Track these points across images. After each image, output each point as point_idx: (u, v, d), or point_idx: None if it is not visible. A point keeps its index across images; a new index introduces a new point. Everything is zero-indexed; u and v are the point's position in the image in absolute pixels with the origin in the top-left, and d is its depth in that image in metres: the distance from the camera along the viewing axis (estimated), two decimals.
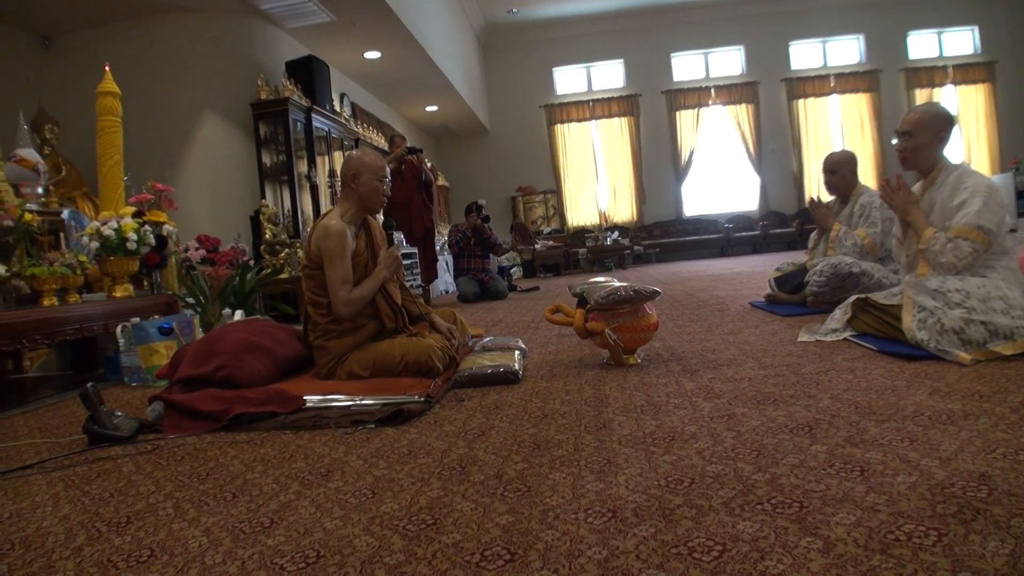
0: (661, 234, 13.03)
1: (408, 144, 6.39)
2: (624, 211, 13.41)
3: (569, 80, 13.76)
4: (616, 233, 11.98)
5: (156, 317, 3.45)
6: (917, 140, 2.60)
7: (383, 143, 8.63)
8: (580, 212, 13.53)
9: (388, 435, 1.83)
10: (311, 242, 2.53)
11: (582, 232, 12.91)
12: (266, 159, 6.22)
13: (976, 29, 13.25)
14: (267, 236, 5.60)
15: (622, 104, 13.34)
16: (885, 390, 1.84)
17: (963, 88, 13.16)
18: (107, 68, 4.18)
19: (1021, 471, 1.19)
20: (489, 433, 1.76)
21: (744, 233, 12.74)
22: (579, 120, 13.45)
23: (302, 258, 2.61)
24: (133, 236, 3.57)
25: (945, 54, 13.39)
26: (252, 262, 4.91)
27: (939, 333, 2.19)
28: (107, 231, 3.50)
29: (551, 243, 11.58)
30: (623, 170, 13.37)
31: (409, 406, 2.01)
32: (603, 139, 13.47)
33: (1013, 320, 2.18)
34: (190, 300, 3.97)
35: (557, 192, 13.45)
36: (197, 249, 4.46)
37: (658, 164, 13.33)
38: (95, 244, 3.51)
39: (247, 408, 2.09)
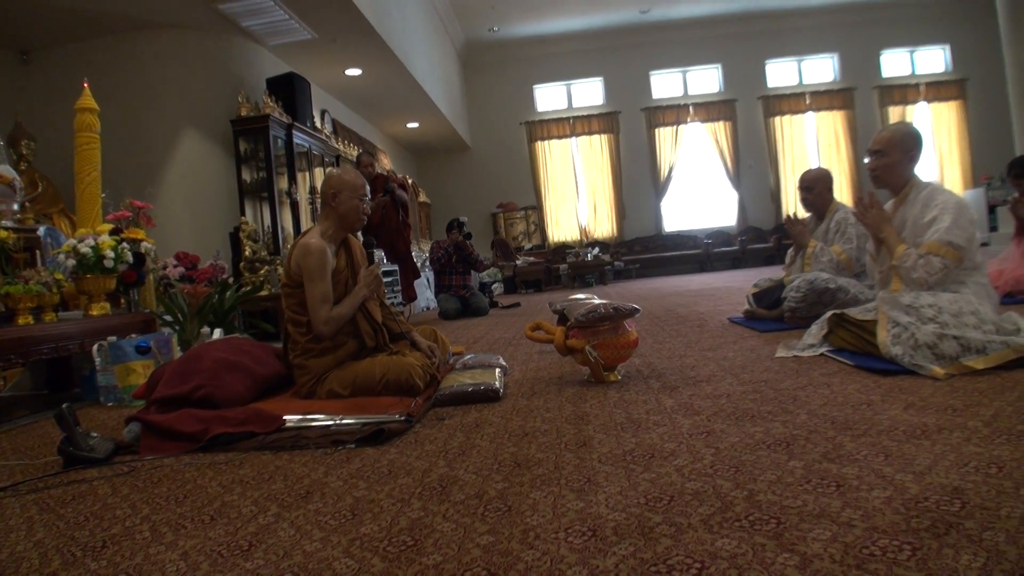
0: (641, 250, 13.13)
1: (387, 183, 6.34)
2: (604, 227, 13.50)
3: (550, 97, 13.88)
4: (597, 249, 12.04)
5: (133, 336, 3.41)
6: (888, 159, 2.66)
7: (374, 161, 8.62)
8: (561, 228, 13.60)
9: (368, 455, 1.82)
10: (291, 260, 2.52)
11: (563, 248, 12.97)
12: (246, 176, 6.20)
13: (947, 48, 13.60)
14: (247, 253, 5.57)
15: (602, 121, 13.47)
16: (861, 405, 1.87)
17: (935, 105, 13.47)
18: (85, 84, 4.17)
19: (993, 485, 1.22)
20: (470, 452, 1.76)
21: (723, 248, 12.87)
22: (560, 137, 13.56)
23: (282, 276, 2.60)
24: (110, 254, 3.54)
25: (917, 72, 13.72)
26: (231, 280, 4.88)
27: (913, 348, 2.23)
28: (84, 248, 3.47)
29: (532, 259, 11.61)
30: (603, 186, 13.48)
31: (389, 425, 2.01)
32: (583, 156, 13.58)
33: (984, 335, 2.22)
34: (168, 318, 3.94)
35: (538, 208, 13.51)
36: (175, 266, 4.41)
37: (638, 180, 13.46)
38: (71, 262, 3.47)
39: (226, 428, 2.08)
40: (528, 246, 13.03)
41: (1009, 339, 2.20)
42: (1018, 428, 1.53)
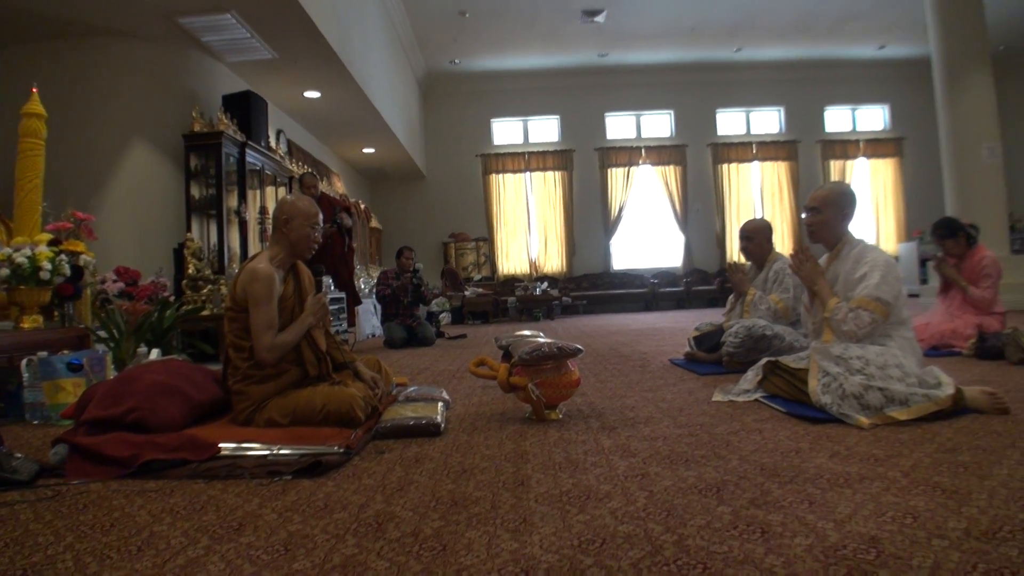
0: (589, 286, 13.29)
1: (334, 213, 6.32)
2: (554, 262, 13.65)
3: (506, 132, 14.07)
4: (546, 283, 12.15)
5: (65, 352, 3.30)
6: (824, 216, 2.80)
7: (319, 182, 8.56)
8: (511, 261, 13.69)
9: (304, 487, 1.80)
10: (237, 284, 2.49)
11: (512, 281, 13.05)
12: (195, 192, 6.09)
13: (887, 107, 14.34)
14: (190, 271, 5.46)
15: (556, 158, 13.70)
16: (790, 452, 1.93)
17: (873, 161, 14.14)
18: (34, 90, 4.07)
19: (908, 534, 1.28)
20: (408, 488, 1.76)
21: (669, 289, 13.13)
22: (514, 171, 13.72)
23: (226, 299, 2.57)
24: (47, 265, 3.44)
25: (858, 128, 14.43)
26: (172, 298, 4.77)
27: (841, 397, 2.33)
28: (20, 259, 3.37)
29: (481, 290, 11.63)
30: (555, 222, 13.66)
31: (328, 457, 1.99)
32: (537, 191, 13.76)
33: (908, 387, 2.33)
34: (103, 335, 3.83)
35: (489, 240, 13.59)
36: (115, 281, 4.30)
37: (589, 218, 13.69)
38: (5, 271, 3.36)
39: (158, 454, 2.02)
40: (477, 277, 13.07)
41: (930, 392, 2.32)
42: (934, 479, 1.61)
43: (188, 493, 1.80)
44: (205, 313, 5.25)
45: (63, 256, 3.62)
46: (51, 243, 3.72)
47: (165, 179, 6.10)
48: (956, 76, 7.98)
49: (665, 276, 13.42)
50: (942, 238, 4.62)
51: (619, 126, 14.09)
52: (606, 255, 13.73)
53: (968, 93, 7.92)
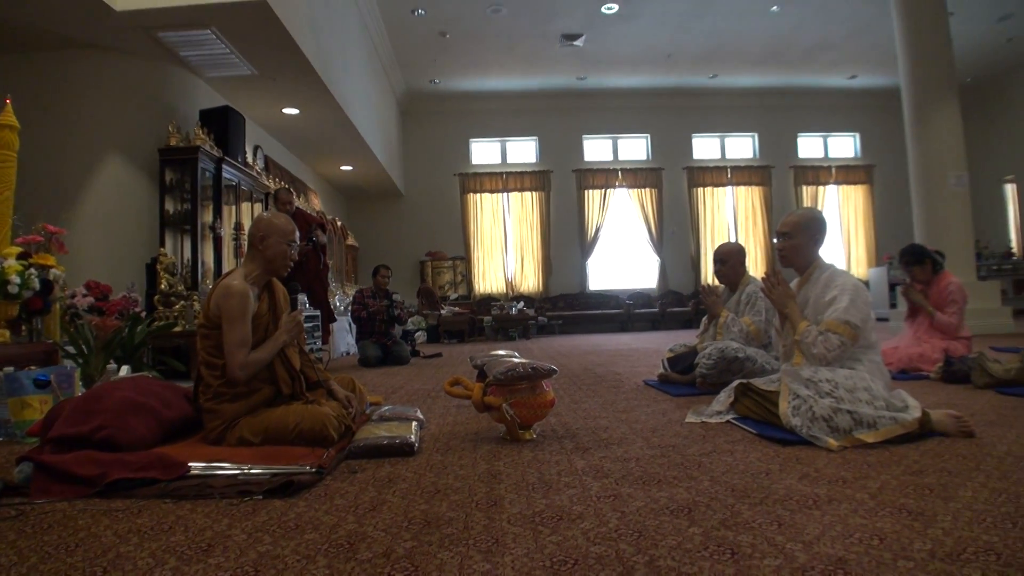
0: (565, 306, 13.34)
1: (310, 231, 6.29)
2: (531, 282, 13.69)
3: (485, 152, 14.15)
4: (522, 303, 12.18)
5: (32, 367, 3.24)
6: (795, 241, 2.85)
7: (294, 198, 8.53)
8: (487, 280, 13.70)
9: (275, 507, 1.78)
10: (211, 301, 2.47)
11: (488, 300, 13.06)
12: (169, 206, 6.04)
13: (857, 136, 14.67)
14: (163, 286, 5.40)
15: (534, 179, 13.79)
16: (760, 473, 1.96)
17: (844, 188, 14.41)
18: (8, 100, 4.02)
19: (874, 556, 1.30)
20: (380, 508, 1.75)
21: (644, 310, 13.22)
22: (492, 191, 13.78)
23: (199, 316, 2.54)
24: (16, 279, 3.39)
25: (830, 155, 14.71)
26: (144, 313, 4.70)
27: (810, 420, 2.36)
28: None
29: (457, 309, 11.62)
30: (532, 242, 13.72)
31: (299, 477, 1.97)
32: (514, 211, 13.82)
33: (876, 410, 2.37)
34: (72, 351, 3.76)
35: (466, 259, 13.60)
36: (85, 296, 4.23)
37: (565, 238, 13.77)
38: None
39: (126, 473, 1.99)
40: (454, 296, 13.05)
41: (898, 415, 2.36)
42: (901, 501, 1.64)
43: (156, 513, 1.77)
44: (177, 329, 5.19)
45: (32, 270, 3.57)
46: (20, 256, 3.66)
47: (139, 193, 6.04)
48: (924, 106, 8.19)
49: (640, 297, 13.52)
50: (909, 264, 4.72)
51: (596, 149, 14.24)
52: (582, 276, 13.80)
53: (936, 123, 8.12)
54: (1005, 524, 1.45)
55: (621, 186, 13.91)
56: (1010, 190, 13.63)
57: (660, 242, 13.81)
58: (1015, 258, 12.96)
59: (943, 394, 3.45)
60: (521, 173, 13.82)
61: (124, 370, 3.56)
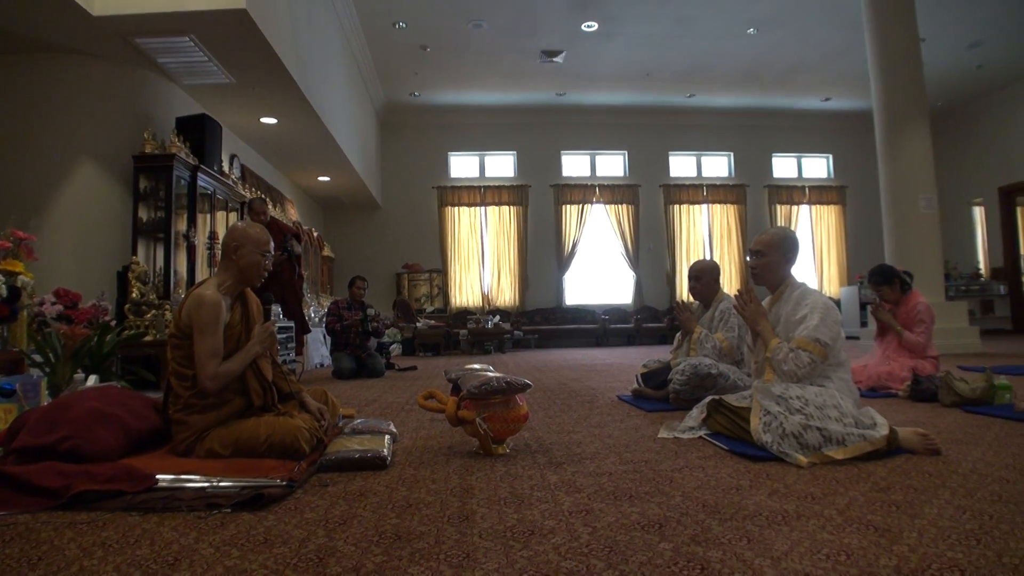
0: (541, 320, 13.35)
1: (285, 241, 6.26)
2: (507, 296, 13.70)
3: (463, 165, 14.18)
4: (498, 317, 12.17)
5: None
6: (767, 259, 2.89)
7: (269, 207, 8.48)
8: (464, 293, 13.68)
9: (244, 521, 1.76)
10: (182, 311, 2.44)
11: (464, 313, 13.03)
12: (143, 214, 5.97)
13: (830, 157, 14.94)
14: (134, 295, 5.32)
15: (512, 193, 13.83)
16: (731, 489, 1.97)
17: (817, 208, 14.64)
18: None
19: (841, 572, 1.32)
20: (351, 522, 1.73)
21: (619, 325, 13.28)
22: (470, 205, 13.79)
23: (170, 326, 2.51)
24: None
25: (804, 176, 14.96)
26: (114, 322, 4.63)
27: (781, 436, 2.38)
28: None
29: (433, 322, 11.59)
30: (509, 256, 13.74)
31: (269, 490, 1.94)
32: (492, 225, 13.84)
33: (845, 427, 2.40)
34: (39, 359, 3.69)
35: (443, 272, 13.58)
36: (54, 304, 4.15)
37: (542, 253, 13.82)
38: None
39: (91, 485, 1.95)
40: (430, 309, 13.02)
41: (866, 432, 2.39)
42: (868, 517, 1.66)
43: (122, 526, 1.74)
44: (148, 339, 5.11)
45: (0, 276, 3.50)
46: None
47: (112, 200, 5.96)
48: (896, 130, 8.36)
49: (616, 313, 13.59)
50: (878, 284, 4.80)
51: (574, 164, 14.34)
52: (559, 290, 13.85)
53: (907, 146, 8.29)
54: (969, 541, 1.48)
55: (598, 202, 14.00)
56: (978, 212, 13.95)
57: (636, 258, 13.92)
58: (983, 279, 13.25)
59: (911, 412, 3.51)
60: (499, 187, 13.87)
61: (92, 380, 3.50)
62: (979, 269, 13.66)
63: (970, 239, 14.07)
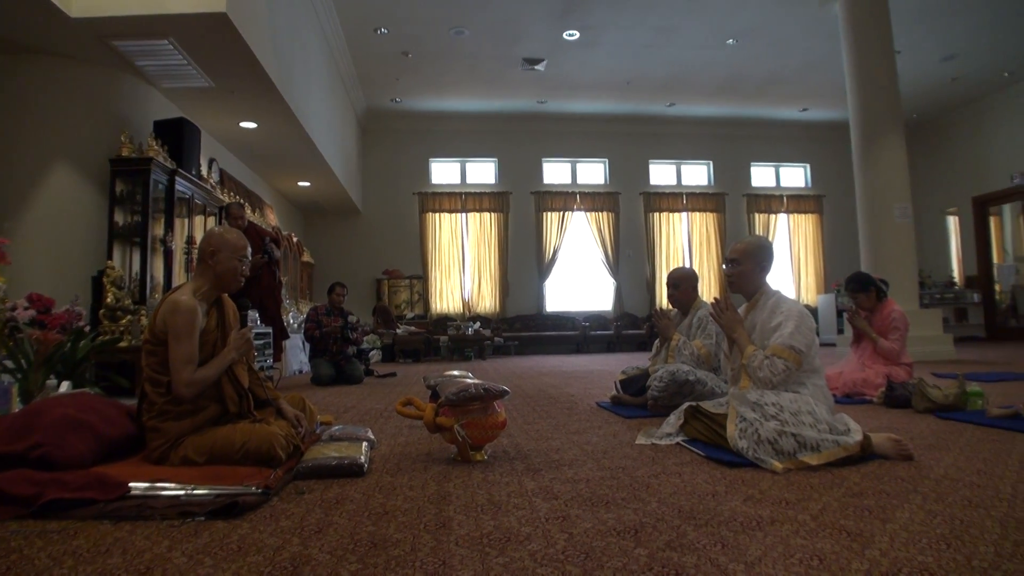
0: (522, 327, 13.35)
1: (265, 244, 6.22)
2: (488, 302, 13.68)
3: (444, 172, 14.16)
4: (478, 323, 12.15)
5: None
6: (743, 268, 2.92)
7: (248, 212, 8.41)
8: (444, 300, 13.64)
9: (218, 529, 1.74)
10: (157, 316, 2.41)
11: (445, 320, 13.00)
12: (119, 218, 5.89)
13: (808, 166, 15.11)
14: (109, 300, 5.25)
15: (493, 200, 13.84)
16: (706, 495, 1.99)
17: (795, 216, 14.80)
18: None
19: None
20: (326, 530, 1.72)
21: (600, 332, 13.32)
22: (451, 211, 13.78)
23: (145, 332, 2.48)
24: None
25: (782, 185, 15.12)
26: (88, 328, 4.56)
27: (756, 443, 2.41)
28: None
29: (413, 329, 11.54)
30: (489, 263, 13.73)
31: (244, 498, 1.93)
32: (473, 231, 13.83)
33: (819, 433, 2.43)
34: (10, 365, 3.62)
35: (423, 278, 13.53)
36: (26, 309, 4.08)
37: (523, 260, 13.83)
38: None
39: (63, 493, 1.92)
40: (410, 315, 12.97)
41: (840, 438, 2.42)
42: (841, 522, 1.68)
43: (93, 535, 1.72)
44: (123, 345, 5.05)
45: None
46: None
47: (87, 204, 5.88)
48: (872, 140, 8.49)
49: (596, 319, 13.62)
50: (855, 292, 4.86)
51: (555, 172, 14.38)
52: (539, 297, 13.86)
53: (882, 156, 8.42)
54: (940, 545, 1.50)
55: (579, 209, 14.05)
56: (952, 222, 14.18)
57: (616, 265, 13.97)
58: (957, 287, 13.46)
59: (885, 418, 3.55)
60: (480, 194, 13.87)
61: (64, 386, 3.45)
62: (953, 278, 13.88)
63: (944, 248, 14.30)
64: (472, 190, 13.91)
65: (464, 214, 13.82)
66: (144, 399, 2.44)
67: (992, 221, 13.44)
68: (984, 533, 1.58)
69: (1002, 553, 1.45)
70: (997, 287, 13.29)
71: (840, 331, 10.20)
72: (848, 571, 1.36)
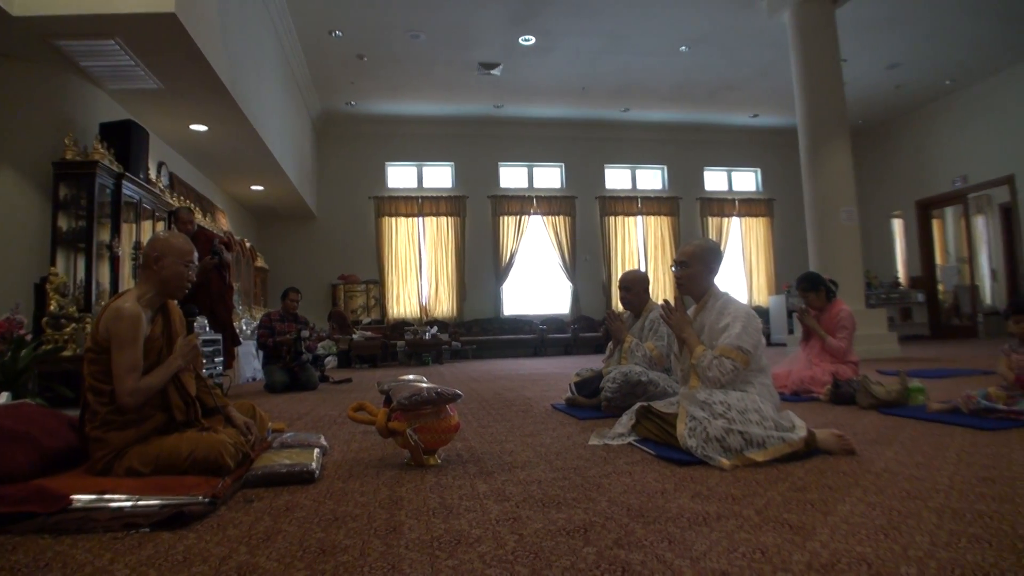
0: (479, 331, 13.35)
1: (214, 245, 6.11)
2: (445, 306, 13.64)
3: (401, 176, 14.09)
4: (435, 328, 12.11)
5: None
6: (691, 270, 2.98)
7: (198, 216, 8.25)
8: (401, 304, 13.56)
9: (163, 540, 1.71)
10: (99, 324, 2.34)
11: (402, 324, 12.90)
12: (63, 223, 5.73)
13: (759, 171, 15.45)
14: (52, 308, 5.10)
15: (450, 204, 13.82)
16: (655, 493, 2.02)
17: (747, 220, 15.11)
18: None
19: (756, 569, 1.38)
20: (275, 538, 1.70)
21: (557, 335, 13.39)
22: (407, 215, 13.71)
23: (87, 340, 2.41)
24: None
25: (734, 189, 15.43)
26: (30, 336, 4.42)
27: (705, 441, 2.45)
28: None
29: (369, 334, 11.43)
30: (446, 267, 13.70)
31: (191, 508, 1.89)
32: (430, 235, 13.78)
33: (765, 431, 2.49)
34: None
35: (380, 283, 13.43)
36: None
37: (480, 264, 13.84)
38: None
39: (1, 507, 1.86)
40: (367, 320, 12.86)
41: (785, 435, 2.49)
42: (784, 516, 1.73)
43: (32, 549, 1.67)
44: (67, 354, 4.90)
45: None
46: None
47: (29, 208, 5.70)
48: (819, 145, 8.72)
49: (554, 323, 13.70)
50: (805, 291, 4.99)
51: (512, 176, 14.44)
52: (497, 301, 13.88)
53: (829, 161, 8.66)
54: (878, 536, 1.56)
55: (536, 213, 14.12)
56: (897, 224, 14.65)
57: (573, 268, 14.08)
58: (901, 288, 13.89)
59: (831, 415, 3.65)
60: (437, 198, 13.84)
61: (4, 397, 3.34)
62: (898, 278, 14.32)
63: (889, 250, 14.76)
64: (429, 194, 13.87)
65: (421, 218, 13.77)
66: (86, 409, 2.36)
67: (935, 224, 13.94)
68: (921, 523, 1.64)
69: (937, 542, 1.51)
70: (940, 287, 13.78)
71: (791, 331, 10.42)
72: (789, 563, 1.40)
